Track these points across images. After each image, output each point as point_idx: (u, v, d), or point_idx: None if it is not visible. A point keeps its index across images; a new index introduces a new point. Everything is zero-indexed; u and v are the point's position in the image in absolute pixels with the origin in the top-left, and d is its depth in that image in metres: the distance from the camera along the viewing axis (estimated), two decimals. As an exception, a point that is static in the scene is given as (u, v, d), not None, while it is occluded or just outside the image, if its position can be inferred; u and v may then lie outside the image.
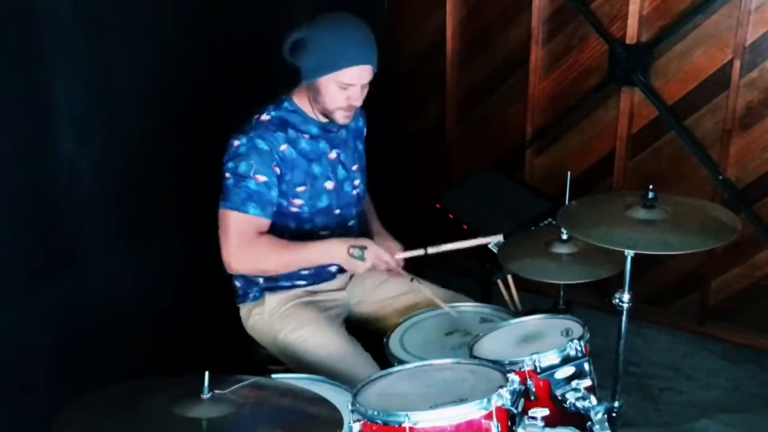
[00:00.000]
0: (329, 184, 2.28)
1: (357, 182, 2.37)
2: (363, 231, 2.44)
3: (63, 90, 2.23)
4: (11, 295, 2.19)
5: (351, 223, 2.39)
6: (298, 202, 2.23)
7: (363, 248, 2.15)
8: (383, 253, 2.20)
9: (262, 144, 2.13)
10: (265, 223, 2.16)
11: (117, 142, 2.41)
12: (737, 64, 2.93)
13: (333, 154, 2.29)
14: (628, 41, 3.11)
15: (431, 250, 2.28)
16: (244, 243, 2.12)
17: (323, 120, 2.24)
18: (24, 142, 2.17)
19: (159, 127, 2.53)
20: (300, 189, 2.22)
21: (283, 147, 2.17)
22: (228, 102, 2.70)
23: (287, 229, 2.25)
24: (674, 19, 3.02)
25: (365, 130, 2.46)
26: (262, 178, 2.13)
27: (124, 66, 2.39)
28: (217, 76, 2.69)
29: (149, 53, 2.46)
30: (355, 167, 2.36)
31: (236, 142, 2.15)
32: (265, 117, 2.19)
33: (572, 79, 3.33)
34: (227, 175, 2.14)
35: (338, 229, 2.33)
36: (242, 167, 2.12)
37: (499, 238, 2.39)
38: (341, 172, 2.31)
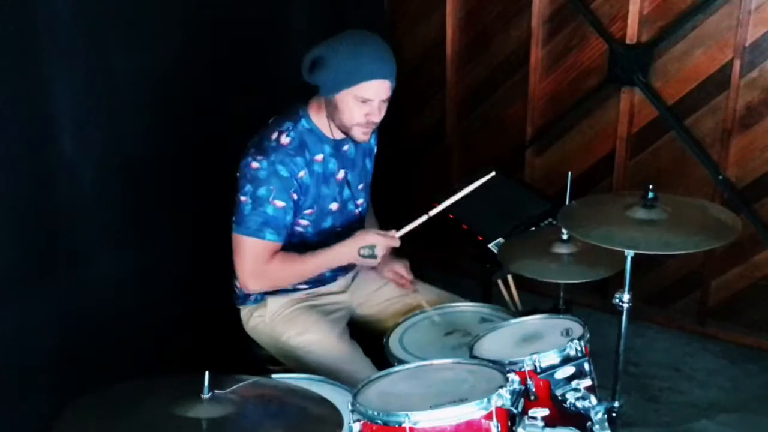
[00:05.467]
0: (334, 205, 2.27)
1: (360, 201, 2.36)
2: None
3: (63, 90, 2.23)
4: (12, 295, 2.19)
5: None
6: (303, 222, 2.23)
7: (372, 247, 2.15)
8: (390, 240, 2.18)
9: (282, 170, 2.11)
10: (279, 246, 2.17)
11: (117, 143, 2.41)
12: (737, 64, 2.93)
13: (341, 174, 2.27)
14: (628, 41, 3.11)
15: (433, 212, 2.26)
16: (260, 267, 2.14)
17: (338, 137, 2.22)
18: (24, 142, 2.17)
19: (159, 128, 2.53)
20: (308, 211, 2.21)
21: (302, 173, 2.15)
22: (228, 102, 2.70)
23: (290, 244, 2.24)
24: (674, 19, 3.02)
25: (375, 148, 2.43)
26: (280, 204, 2.11)
27: (124, 66, 2.39)
28: (217, 76, 2.69)
29: (149, 53, 2.46)
30: (360, 186, 2.35)
31: (255, 164, 2.10)
32: (285, 140, 2.14)
33: (572, 79, 3.33)
34: (244, 198, 2.11)
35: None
36: (261, 191, 2.10)
37: (491, 173, 2.34)
38: (346, 191, 2.29)
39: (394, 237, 2.19)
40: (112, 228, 2.46)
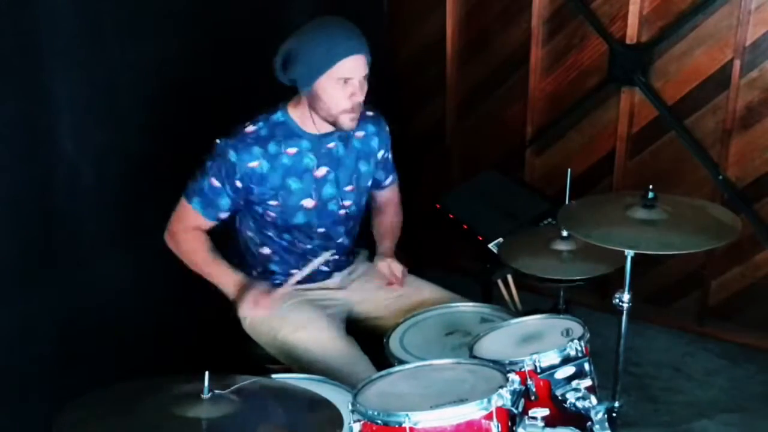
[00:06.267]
0: (308, 202, 2.24)
1: (347, 203, 2.31)
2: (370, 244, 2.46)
3: (63, 90, 2.23)
4: (12, 295, 2.19)
5: (339, 240, 2.36)
6: (271, 214, 2.24)
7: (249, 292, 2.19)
8: (260, 299, 2.18)
9: (232, 155, 2.14)
10: (204, 222, 2.24)
11: (117, 142, 2.41)
12: (737, 64, 2.93)
13: (320, 171, 2.24)
14: (628, 41, 3.11)
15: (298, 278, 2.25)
16: (178, 229, 2.27)
17: (321, 131, 2.21)
18: (24, 142, 2.17)
19: (159, 127, 2.53)
20: (272, 203, 2.22)
21: (254, 164, 2.15)
22: (228, 102, 2.70)
23: (268, 232, 2.28)
24: (674, 19, 3.02)
25: (382, 152, 2.39)
26: (216, 183, 2.17)
27: (123, 66, 2.39)
28: (216, 75, 2.69)
29: (149, 53, 2.46)
30: (349, 187, 2.30)
31: (218, 141, 2.18)
32: (250, 128, 2.18)
33: (572, 79, 3.33)
34: (201, 165, 2.21)
35: (323, 246, 2.31)
36: (207, 164, 2.18)
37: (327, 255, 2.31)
38: (328, 190, 2.26)
39: (274, 297, 2.18)
40: (112, 228, 2.46)
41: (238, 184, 2.17)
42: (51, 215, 2.27)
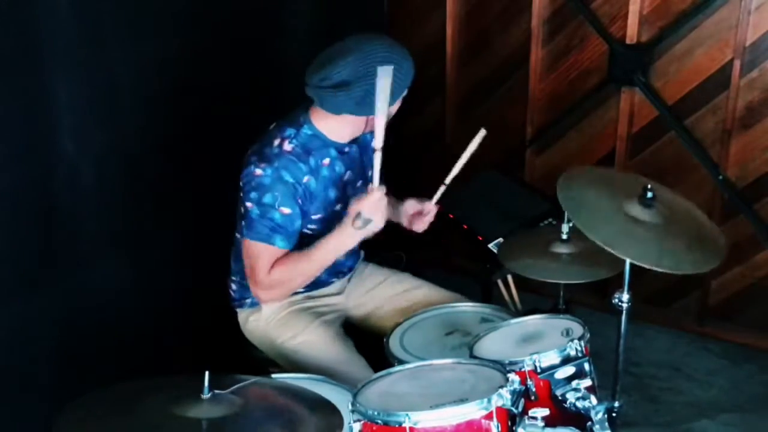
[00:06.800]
0: (340, 207, 2.24)
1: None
2: None
3: (63, 90, 2.23)
4: (12, 295, 2.19)
5: None
6: (312, 227, 2.20)
7: (359, 215, 2.02)
8: (369, 198, 2.03)
9: (287, 176, 2.07)
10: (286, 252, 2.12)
11: (117, 142, 2.41)
12: (737, 64, 2.93)
13: (347, 175, 2.25)
14: (628, 41, 3.11)
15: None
16: (266, 275, 2.09)
17: (344, 140, 2.21)
18: (24, 142, 2.17)
19: (159, 127, 2.53)
20: (315, 216, 2.18)
21: (306, 178, 2.12)
22: (228, 102, 2.70)
23: (295, 247, 2.22)
24: (674, 19, 3.02)
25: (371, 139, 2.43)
26: (286, 210, 2.08)
27: (124, 66, 2.39)
28: (217, 75, 2.69)
29: (149, 53, 2.46)
30: (359, 183, 2.31)
31: (259, 171, 2.07)
32: (288, 146, 2.11)
33: (572, 79, 3.33)
34: (250, 204, 2.08)
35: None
36: (267, 198, 2.07)
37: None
38: (350, 191, 2.27)
39: (372, 189, 2.05)
40: (112, 228, 2.46)
41: (299, 201, 2.11)
42: (51, 215, 2.27)
